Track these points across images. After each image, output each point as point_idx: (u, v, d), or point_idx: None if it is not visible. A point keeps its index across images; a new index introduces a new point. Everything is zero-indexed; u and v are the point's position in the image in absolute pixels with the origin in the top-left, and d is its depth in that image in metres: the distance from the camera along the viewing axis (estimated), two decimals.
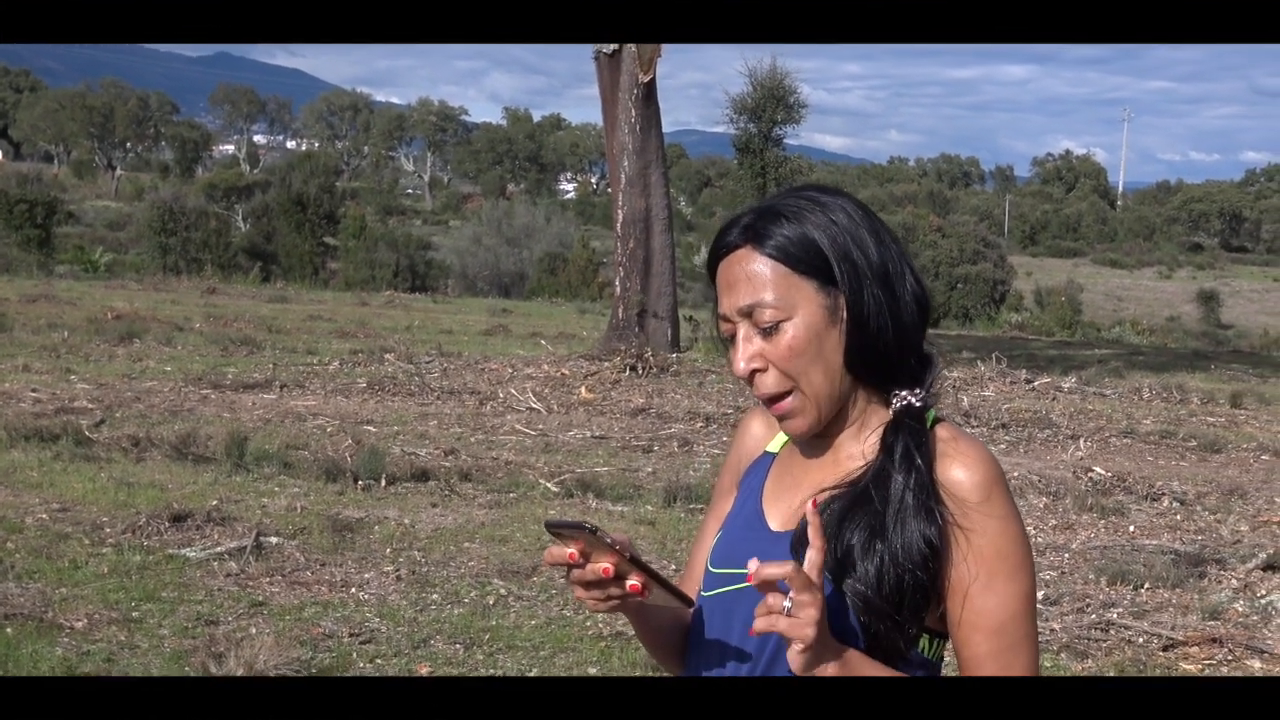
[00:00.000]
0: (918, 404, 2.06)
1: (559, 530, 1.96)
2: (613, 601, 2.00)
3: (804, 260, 2.02)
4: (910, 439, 2.02)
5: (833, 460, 2.11)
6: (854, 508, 2.01)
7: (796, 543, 2.03)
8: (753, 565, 1.84)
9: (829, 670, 1.87)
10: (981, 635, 1.98)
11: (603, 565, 1.95)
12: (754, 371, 2.05)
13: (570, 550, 1.96)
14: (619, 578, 1.97)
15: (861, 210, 2.08)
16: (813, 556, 1.86)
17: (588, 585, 1.98)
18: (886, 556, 1.96)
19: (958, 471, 1.99)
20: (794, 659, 1.85)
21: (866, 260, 2.03)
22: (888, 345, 2.03)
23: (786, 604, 1.83)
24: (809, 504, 1.93)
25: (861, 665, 1.92)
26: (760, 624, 1.84)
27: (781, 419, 2.08)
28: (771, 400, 2.07)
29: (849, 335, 2.02)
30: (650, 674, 6.25)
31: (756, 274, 2.03)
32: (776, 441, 2.24)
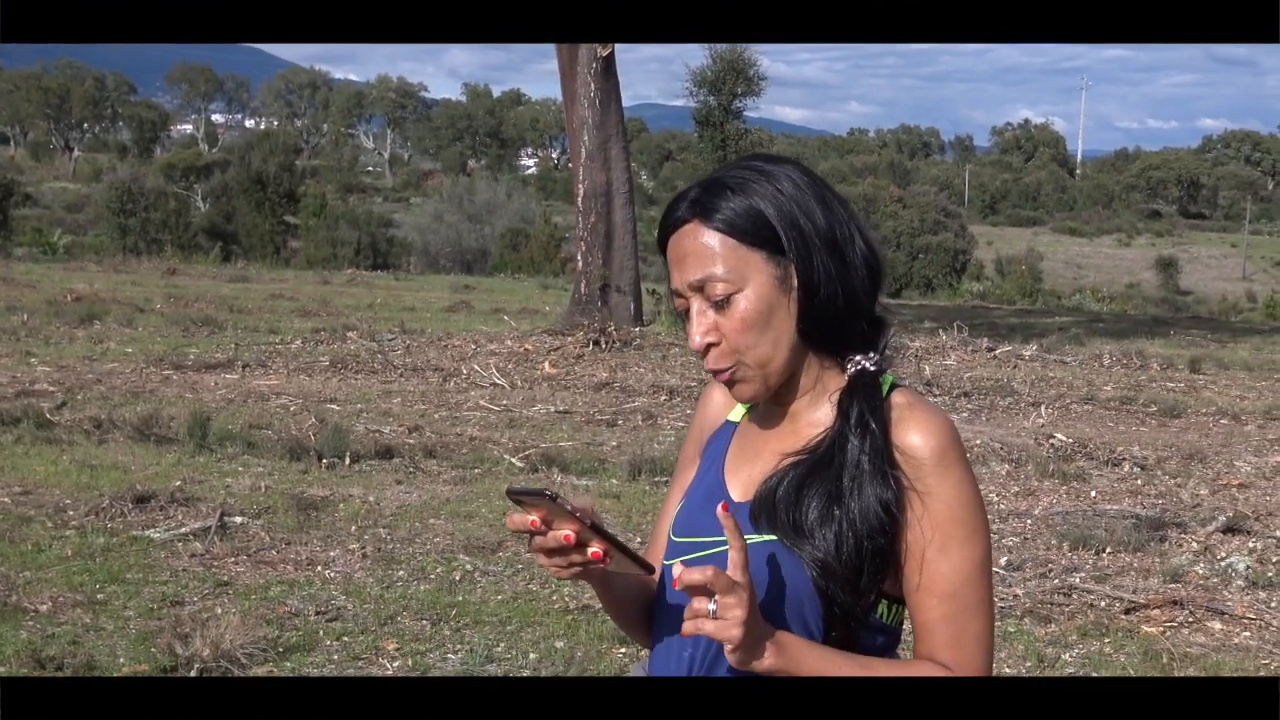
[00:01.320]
0: (872, 368, 2.07)
1: (520, 497, 1.96)
2: (575, 568, 2.00)
3: (751, 232, 2.02)
4: (865, 403, 2.03)
5: (791, 429, 2.12)
6: (811, 475, 2.02)
7: (755, 513, 2.05)
8: (677, 570, 1.85)
9: (766, 661, 1.88)
10: (935, 599, 1.99)
11: (564, 532, 1.95)
12: (709, 345, 2.06)
13: (531, 517, 1.96)
14: (581, 545, 1.97)
15: (807, 177, 2.09)
16: (734, 557, 1.86)
17: (550, 552, 1.98)
18: (845, 522, 1.97)
19: (913, 436, 2.00)
20: (729, 657, 1.87)
21: (814, 227, 2.03)
22: (838, 311, 2.04)
23: (711, 606, 1.84)
24: (719, 508, 1.92)
25: (799, 651, 1.92)
26: (688, 627, 1.85)
27: (729, 385, 2.10)
28: (720, 370, 2.08)
29: (800, 303, 2.03)
30: (617, 651, 6.28)
31: (705, 248, 2.03)
32: (738, 411, 2.25)
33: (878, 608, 2.02)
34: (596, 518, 1.98)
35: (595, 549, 1.97)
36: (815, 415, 2.10)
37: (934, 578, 1.99)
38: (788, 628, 1.96)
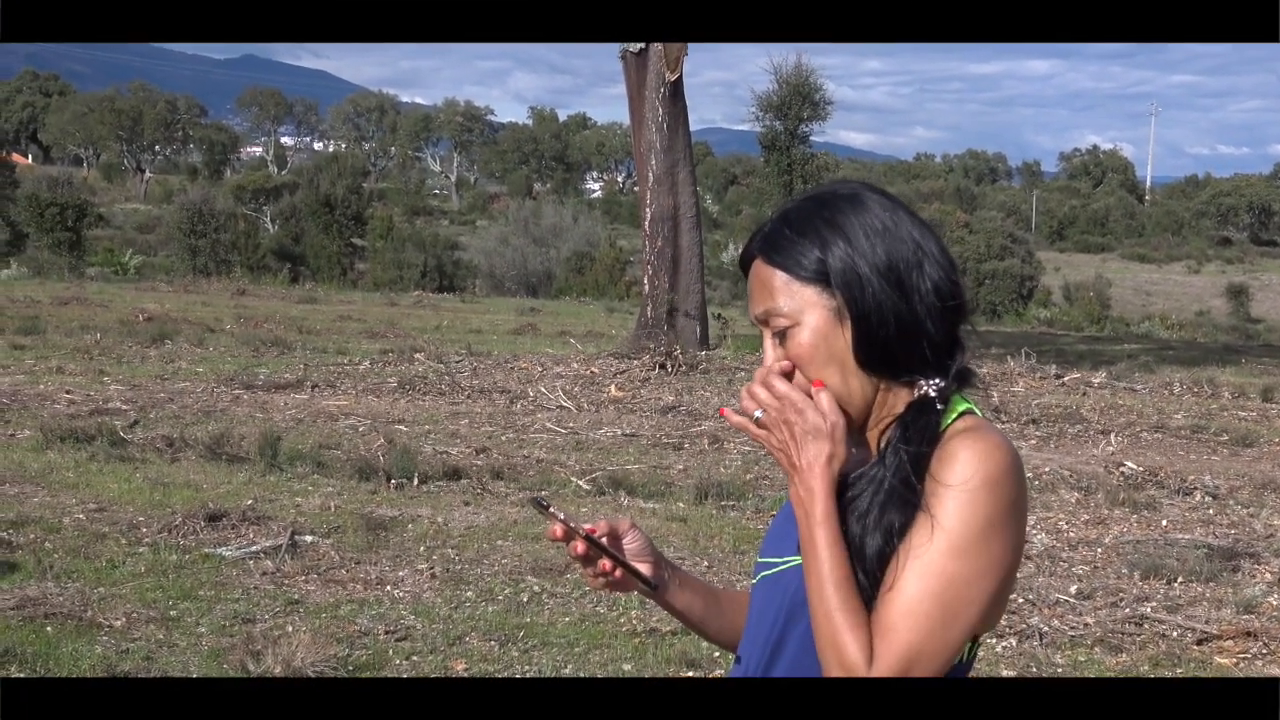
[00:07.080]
0: (933, 394, 2.03)
1: (537, 507, 2.15)
2: (602, 579, 2.16)
3: (805, 267, 2.03)
4: (907, 429, 2.00)
5: (860, 456, 2.10)
6: (840, 500, 2.01)
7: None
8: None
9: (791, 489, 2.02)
10: (889, 584, 1.93)
11: (575, 543, 2.13)
12: (784, 374, 2.08)
13: (555, 527, 2.13)
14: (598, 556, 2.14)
15: (878, 202, 2.07)
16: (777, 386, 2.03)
17: (581, 562, 2.15)
18: (851, 549, 1.97)
19: (949, 466, 1.94)
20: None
21: (866, 259, 2.01)
22: (890, 339, 2.00)
23: (758, 413, 2.02)
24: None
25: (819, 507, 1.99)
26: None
27: None
28: None
29: (854, 333, 2.01)
30: (685, 674, 6.28)
31: (765, 284, 2.07)
32: None
33: None
34: (589, 531, 2.14)
35: (605, 560, 2.13)
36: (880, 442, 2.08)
37: (898, 567, 1.93)
38: (816, 656, 1.95)
